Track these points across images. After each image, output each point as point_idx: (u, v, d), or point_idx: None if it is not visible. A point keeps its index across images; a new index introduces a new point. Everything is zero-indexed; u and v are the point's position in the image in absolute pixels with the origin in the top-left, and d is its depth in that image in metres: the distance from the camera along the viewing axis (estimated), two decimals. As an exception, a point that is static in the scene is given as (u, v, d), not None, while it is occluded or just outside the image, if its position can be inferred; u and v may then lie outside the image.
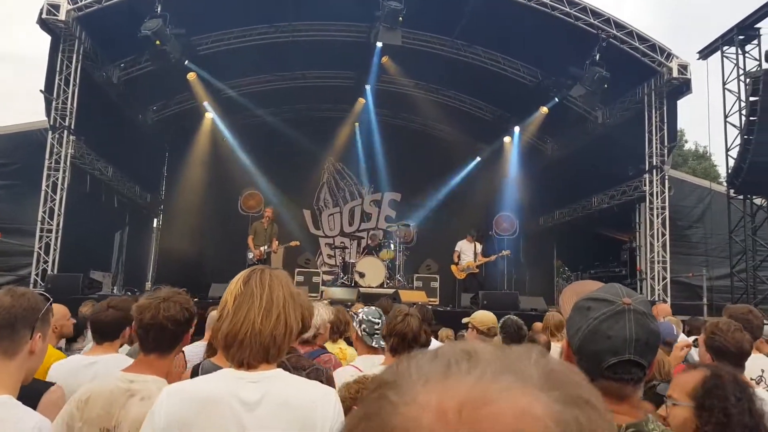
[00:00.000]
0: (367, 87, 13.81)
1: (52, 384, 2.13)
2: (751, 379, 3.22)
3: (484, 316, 4.69)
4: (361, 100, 14.53)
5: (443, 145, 15.45)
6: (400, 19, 10.37)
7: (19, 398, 1.88)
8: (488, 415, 0.40)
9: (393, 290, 11.16)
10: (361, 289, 11.24)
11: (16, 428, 1.60)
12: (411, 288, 12.09)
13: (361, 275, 11.80)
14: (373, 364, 2.98)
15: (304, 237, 13.57)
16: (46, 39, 10.35)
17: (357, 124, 15.22)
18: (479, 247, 12.45)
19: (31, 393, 1.96)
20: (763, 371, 3.38)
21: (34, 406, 1.96)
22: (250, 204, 15.25)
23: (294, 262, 13.57)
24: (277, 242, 11.49)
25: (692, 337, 4.49)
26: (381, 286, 11.72)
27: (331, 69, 14.20)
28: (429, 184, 15.15)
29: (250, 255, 11.28)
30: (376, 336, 3.29)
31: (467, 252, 12.22)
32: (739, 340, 2.75)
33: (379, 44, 11.41)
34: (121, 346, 3.29)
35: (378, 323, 3.29)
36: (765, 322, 3.84)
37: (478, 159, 15.63)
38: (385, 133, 15.07)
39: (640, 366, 1.29)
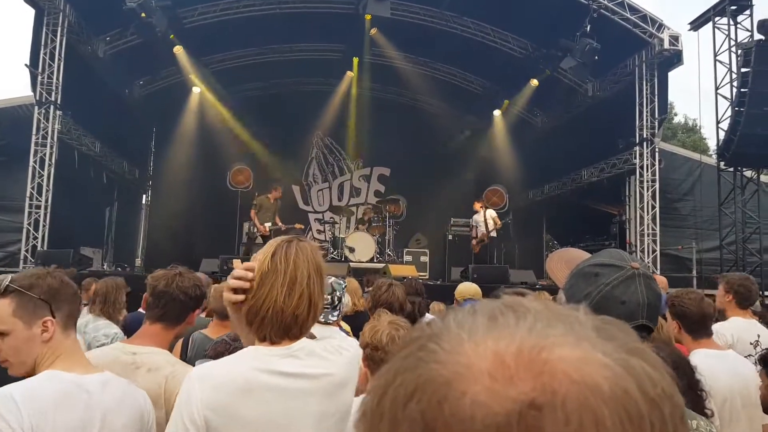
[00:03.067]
0: (356, 60, 13.66)
1: None
2: (750, 344, 3.29)
3: (462, 287, 4.73)
4: (350, 74, 14.37)
5: (433, 119, 15.35)
6: (389, -11, 10.24)
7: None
8: (550, 359, 0.36)
9: (383, 265, 11.21)
10: (351, 263, 11.27)
11: (134, 401, 1.66)
12: (401, 262, 12.16)
13: (351, 250, 11.82)
14: (321, 335, 2.98)
15: (294, 212, 13.59)
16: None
17: (345, 97, 15.08)
18: (491, 212, 12.03)
19: None
20: (759, 336, 3.43)
21: None
22: (239, 179, 15.25)
23: (284, 238, 13.56)
24: (279, 221, 11.53)
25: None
26: (371, 260, 11.75)
27: (319, 42, 14.02)
28: (418, 159, 15.12)
29: (254, 230, 11.26)
30: (325, 309, 3.17)
31: (480, 222, 11.92)
32: (696, 299, 2.79)
33: (368, 16, 11.24)
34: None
35: (327, 298, 3.17)
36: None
37: (468, 133, 15.55)
38: (374, 107, 14.94)
39: (648, 330, 1.29)
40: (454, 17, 12.63)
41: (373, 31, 12.24)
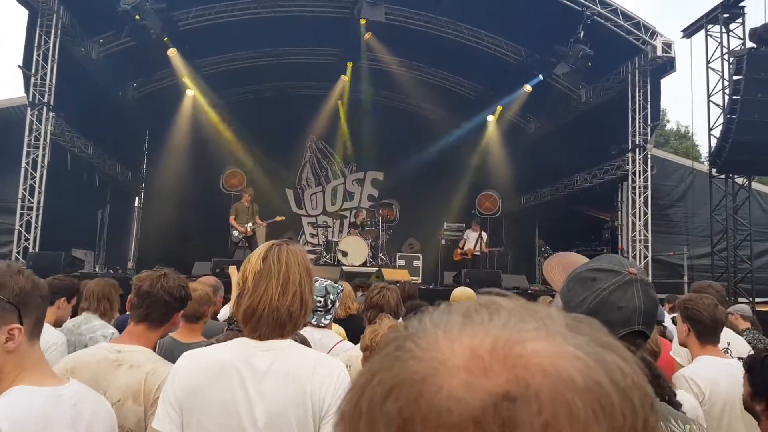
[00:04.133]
0: (350, 64, 13.68)
1: None
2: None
3: (457, 292, 4.68)
4: (344, 78, 14.37)
5: (426, 124, 15.39)
6: (384, -6, 10.26)
7: None
8: (524, 353, 0.37)
9: (376, 269, 11.21)
10: (344, 267, 11.27)
11: (106, 409, 1.63)
12: (394, 266, 12.16)
13: (344, 254, 11.83)
14: (313, 338, 2.98)
15: (287, 216, 13.56)
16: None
17: (339, 102, 15.08)
18: (485, 236, 12.84)
19: None
20: (729, 344, 3.47)
21: None
22: (232, 182, 15.19)
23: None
24: (260, 219, 11.51)
25: (673, 314, 4.59)
26: (364, 264, 11.77)
27: (313, 45, 14.00)
28: (412, 163, 15.11)
29: (235, 233, 11.30)
30: (318, 312, 3.22)
31: (471, 240, 12.68)
32: (710, 305, 2.82)
33: (363, 21, 11.26)
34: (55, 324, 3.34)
35: (320, 301, 3.22)
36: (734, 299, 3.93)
37: (460, 137, 15.59)
38: (368, 111, 14.94)
39: (644, 336, 1.29)
40: (448, 22, 12.68)
41: (368, 35, 12.26)
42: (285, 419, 1.57)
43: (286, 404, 1.58)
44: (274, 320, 1.63)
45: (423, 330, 0.41)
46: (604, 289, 1.28)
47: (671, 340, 4.37)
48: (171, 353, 3.12)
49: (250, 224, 11.24)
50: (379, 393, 0.38)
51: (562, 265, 1.62)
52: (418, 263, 12.55)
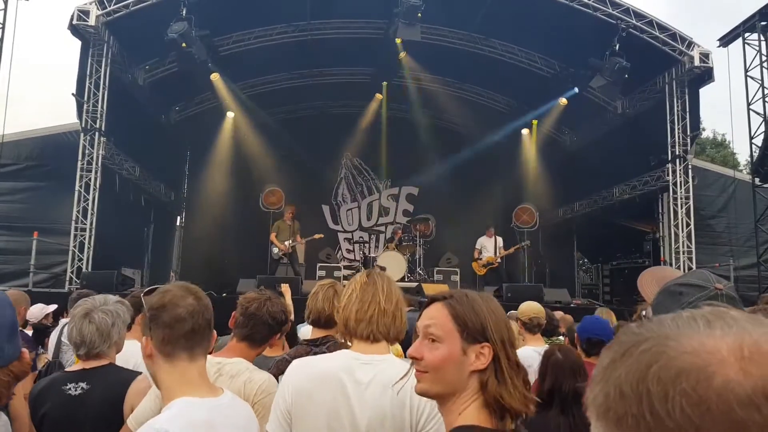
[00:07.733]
0: (384, 83, 13.91)
1: (140, 373, 2.30)
2: None
3: (526, 306, 4.42)
4: (378, 96, 14.61)
5: (461, 139, 15.43)
6: (419, 14, 10.43)
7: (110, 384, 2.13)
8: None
9: (415, 284, 11.27)
10: (383, 282, 11.31)
11: (254, 418, 1.75)
12: (432, 281, 12.20)
13: (383, 269, 11.92)
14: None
15: (324, 232, 13.76)
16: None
17: (374, 119, 15.29)
18: (500, 240, 12.56)
19: (121, 380, 2.21)
20: None
21: (124, 392, 2.16)
22: (271, 201, 15.42)
23: (315, 257, 13.79)
24: (300, 237, 11.73)
25: None
26: (402, 279, 11.83)
27: (349, 66, 14.29)
28: (446, 178, 15.17)
29: (275, 250, 11.53)
30: None
31: (488, 247, 12.34)
32: None
33: (398, 40, 11.47)
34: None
35: None
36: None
37: (494, 151, 15.60)
38: (402, 127, 15.11)
39: None
40: (481, 39, 12.81)
41: (402, 54, 12.48)
42: (382, 427, 1.71)
43: (385, 413, 1.71)
44: (384, 323, 1.82)
45: (678, 332, 0.52)
46: (690, 303, 1.35)
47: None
48: (258, 366, 3.30)
49: (289, 241, 11.45)
50: (666, 376, 0.49)
51: (656, 279, 1.71)
52: (456, 278, 12.55)
